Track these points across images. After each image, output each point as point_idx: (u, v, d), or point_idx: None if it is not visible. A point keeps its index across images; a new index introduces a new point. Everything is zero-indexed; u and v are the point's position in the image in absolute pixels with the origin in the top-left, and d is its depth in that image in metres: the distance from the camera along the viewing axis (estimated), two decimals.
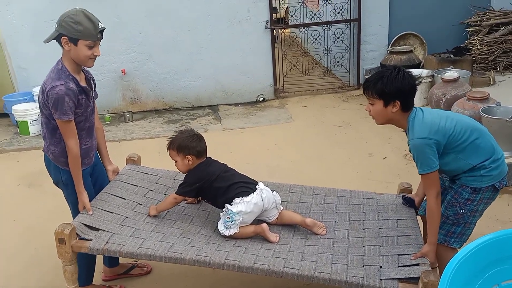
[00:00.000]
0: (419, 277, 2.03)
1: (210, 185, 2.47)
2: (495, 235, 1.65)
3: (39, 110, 2.40)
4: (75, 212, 2.50)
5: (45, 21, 5.69)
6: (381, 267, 2.17)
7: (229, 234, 2.41)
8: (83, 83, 2.36)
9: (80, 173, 2.40)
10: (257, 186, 2.51)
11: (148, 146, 5.07)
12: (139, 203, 2.64)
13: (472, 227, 2.29)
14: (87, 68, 2.46)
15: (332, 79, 6.76)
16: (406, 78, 2.11)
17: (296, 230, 2.53)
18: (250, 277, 2.65)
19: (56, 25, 2.25)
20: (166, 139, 2.57)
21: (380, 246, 2.33)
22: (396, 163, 4.21)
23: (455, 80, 4.47)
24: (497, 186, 2.18)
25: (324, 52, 6.46)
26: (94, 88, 2.50)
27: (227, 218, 2.40)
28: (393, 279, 2.08)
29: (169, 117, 5.98)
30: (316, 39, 6.41)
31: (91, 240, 2.31)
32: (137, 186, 2.77)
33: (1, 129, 5.80)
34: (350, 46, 6.39)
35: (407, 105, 2.14)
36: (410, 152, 2.17)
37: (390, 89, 2.09)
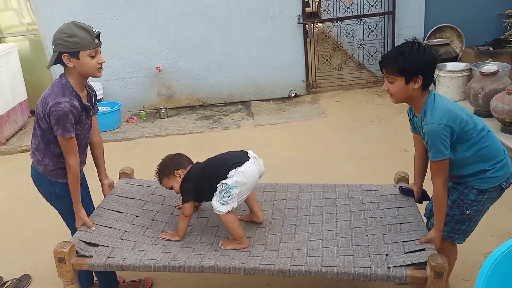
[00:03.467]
0: (427, 261, 2.02)
1: (202, 177, 2.44)
2: None
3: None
4: (73, 223, 2.47)
5: (84, 21, 5.82)
6: (387, 255, 2.16)
7: (227, 211, 2.33)
8: (85, 101, 2.34)
9: (79, 190, 2.37)
10: (249, 155, 2.44)
11: (182, 141, 5.17)
12: (136, 216, 2.62)
13: (476, 224, 2.27)
14: (89, 83, 2.45)
15: (365, 73, 6.68)
16: (427, 52, 2.02)
17: (298, 225, 2.52)
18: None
19: (53, 46, 2.22)
20: (176, 152, 2.61)
21: (384, 234, 2.32)
22: None
23: (494, 74, 4.33)
24: (503, 186, 2.15)
25: (358, 46, 6.38)
26: (95, 104, 2.48)
27: (224, 193, 2.33)
28: (400, 266, 2.08)
29: (203, 113, 6.07)
30: (349, 33, 6.34)
31: (91, 256, 2.27)
32: (133, 199, 2.74)
33: None
34: (384, 39, 6.28)
35: (428, 81, 2.06)
36: (422, 136, 2.10)
37: (413, 64, 2.00)
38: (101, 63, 2.28)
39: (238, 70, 6.21)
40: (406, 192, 2.58)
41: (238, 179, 2.34)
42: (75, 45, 2.18)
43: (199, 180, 2.45)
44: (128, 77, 6.20)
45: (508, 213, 3.22)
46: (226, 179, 2.35)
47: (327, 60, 6.51)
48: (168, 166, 2.51)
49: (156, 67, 6.11)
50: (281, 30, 6.05)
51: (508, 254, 1.57)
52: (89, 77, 2.34)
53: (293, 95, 6.32)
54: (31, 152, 2.45)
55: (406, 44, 2.06)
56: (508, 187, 2.18)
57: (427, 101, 2.07)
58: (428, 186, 2.47)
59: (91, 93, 2.43)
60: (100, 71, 2.30)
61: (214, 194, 2.39)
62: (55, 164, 2.37)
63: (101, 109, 5.72)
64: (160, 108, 6.08)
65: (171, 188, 2.54)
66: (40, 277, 3.03)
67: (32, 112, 6.20)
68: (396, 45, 6.12)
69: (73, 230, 2.53)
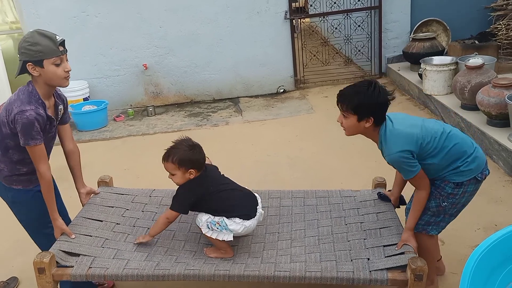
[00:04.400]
0: (407, 264, 2.09)
1: (208, 200, 2.32)
2: None
3: None
4: (31, 231, 2.46)
5: (68, 19, 5.82)
6: (368, 259, 2.22)
7: (209, 235, 2.30)
8: (50, 111, 2.29)
9: (54, 199, 2.31)
10: (257, 209, 2.39)
11: (170, 139, 5.08)
12: (117, 223, 2.57)
13: (453, 218, 2.34)
14: (59, 92, 2.40)
15: (353, 68, 6.69)
16: (381, 93, 2.11)
17: (281, 233, 2.54)
18: None
19: (18, 55, 2.17)
20: (163, 150, 2.34)
21: (365, 239, 2.37)
22: None
23: (480, 67, 4.36)
24: (478, 178, 2.20)
25: (345, 41, 6.39)
26: (65, 111, 2.43)
27: (217, 223, 2.29)
28: (382, 269, 2.14)
29: (191, 110, 6.04)
30: (336, 28, 6.34)
31: (72, 266, 2.22)
32: (112, 207, 2.70)
33: None
34: (371, 34, 6.30)
35: (380, 120, 2.16)
36: (389, 164, 2.20)
37: (366, 105, 2.10)
38: (67, 71, 2.23)
39: (225, 67, 6.18)
40: (384, 198, 2.65)
41: (240, 230, 2.32)
42: (38, 53, 2.14)
43: (203, 199, 2.33)
44: (115, 75, 6.13)
45: (495, 206, 3.25)
46: (228, 218, 2.30)
47: (314, 56, 6.51)
48: (185, 157, 2.26)
49: (143, 65, 6.05)
50: (268, 25, 6.03)
51: (494, 247, 1.58)
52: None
53: (281, 91, 6.32)
54: None
55: (363, 84, 2.15)
56: (484, 178, 2.24)
57: (380, 133, 2.17)
58: (405, 191, 2.50)
59: (58, 102, 2.38)
60: (67, 80, 2.25)
61: (206, 213, 2.33)
62: (10, 170, 2.32)
63: (88, 107, 5.66)
64: (148, 106, 6.03)
65: (171, 174, 2.33)
66: (28, 279, 2.99)
67: None
68: (382, 40, 6.19)
69: (35, 238, 2.49)
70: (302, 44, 6.31)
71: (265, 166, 4.24)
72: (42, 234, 2.48)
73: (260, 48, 6.12)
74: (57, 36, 2.18)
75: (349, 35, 6.34)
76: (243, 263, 2.29)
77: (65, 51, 2.23)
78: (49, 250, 2.25)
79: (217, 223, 2.30)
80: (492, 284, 1.57)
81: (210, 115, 5.79)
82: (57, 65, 2.18)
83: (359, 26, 6.29)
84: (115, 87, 6.18)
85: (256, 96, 6.29)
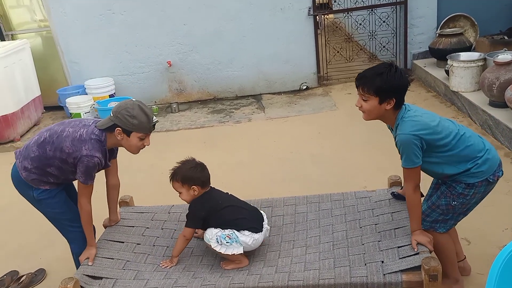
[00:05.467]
0: (421, 265, 2.05)
1: (218, 214, 2.42)
2: None
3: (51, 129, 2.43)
4: (56, 224, 2.60)
5: (94, 16, 5.93)
6: (382, 262, 2.19)
7: (218, 250, 2.37)
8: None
9: (92, 229, 2.50)
10: (263, 225, 2.48)
11: (193, 136, 5.19)
12: (138, 244, 2.65)
13: (462, 216, 2.30)
14: None
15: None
16: (403, 76, 2.11)
17: (296, 240, 2.54)
18: None
19: (112, 115, 2.34)
20: (169, 171, 2.50)
21: (379, 241, 2.34)
22: None
23: (509, 63, 4.24)
24: (490, 180, 2.17)
25: (369, 37, 6.31)
26: (116, 150, 2.61)
27: (227, 236, 2.36)
28: (396, 272, 2.11)
29: (214, 107, 6.07)
30: (360, 24, 6.26)
31: None
32: (133, 226, 2.78)
33: (57, 121, 6.11)
34: (396, 30, 6.20)
35: (400, 103, 2.15)
36: (396, 146, 2.17)
37: (388, 86, 2.08)
38: (145, 146, 2.42)
39: (248, 64, 6.19)
40: (398, 197, 2.62)
41: (249, 242, 2.39)
42: (132, 126, 2.32)
43: (213, 214, 2.43)
44: (139, 72, 6.22)
45: None
46: (238, 231, 2.38)
47: (338, 52, 6.45)
48: (187, 175, 2.43)
49: (167, 62, 6.12)
50: (292, 22, 6.01)
51: None
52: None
53: (304, 87, 6.29)
54: (20, 153, 2.49)
55: (384, 65, 2.14)
56: (497, 180, 2.20)
57: (398, 116, 2.16)
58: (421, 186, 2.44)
59: (114, 149, 2.58)
60: (139, 150, 2.44)
61: (216, 227, 2.41)
62: (39, 177, 2.45)
63: (113, 104, 5.76)
64: (172, 103, 6.09)
65: (178, 192, 2.49)
66: (55, 271, 3.08)
67: (46, 108, 6.28)
68: (408, 36, 6.09)
69: (62, 232, 2.64)
70: (325, 40, 6.26)
71: (288, 163, 4.23)
72: (71, 228, 2.58)
73: (283, 45, 6.10)
74: (154, 118, 2.39)
75: (373, 31, 6.26)
76: (258, 273, 2.30)
77: (153, 130, 2.42)
78: (74, 276, 2.34)
79: (227, 236, 2.37)
80: None
81: (233, 111, 5.81)
82: (141, 139, 2.38)
83: (384, 21, 6.20)
84: (139, 84, 6.26)
85: (279, 93, 6.28)
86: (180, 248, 2.48)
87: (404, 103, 2.21)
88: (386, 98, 2.11)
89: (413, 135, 2.07)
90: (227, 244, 2.36)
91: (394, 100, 2.11)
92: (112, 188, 2.70)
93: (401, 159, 2.16)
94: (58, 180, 2.49)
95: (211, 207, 2.43)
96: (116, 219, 2.81)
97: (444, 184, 2.27)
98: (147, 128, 2.35)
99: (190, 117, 5.80)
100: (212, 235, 2.39)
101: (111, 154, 2.54)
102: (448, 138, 2.13)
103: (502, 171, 2.24)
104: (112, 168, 2.64)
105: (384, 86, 2.08)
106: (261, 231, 2.45)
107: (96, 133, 2.36)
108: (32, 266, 3.16)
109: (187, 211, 2.51)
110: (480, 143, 2.20)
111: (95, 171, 2.37)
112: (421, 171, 2.24)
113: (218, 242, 2.37)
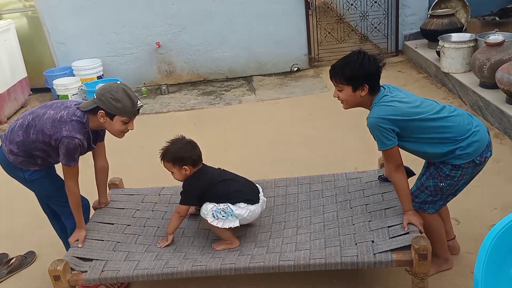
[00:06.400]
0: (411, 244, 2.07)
1: (212, 190, 2.42)
2: None
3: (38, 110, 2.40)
4: (52, 203, 2.60)
5: None
6: (373, 241, 2.21)
7: (215, 224, 2.37)
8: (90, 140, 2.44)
9: (81, 211, 2.46)
10: (260, 196, 2.48)
11: (184, 118, 5.15)
12: (128, 225, 2.64)
13: (452, 197, 2.32)
14: None
15: (369, 46, 6.56)
16: (371, 61, 2.15)
17: (287, 221, 2.55)
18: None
19: (95, 97, 2.30)
20: (159, 151, 2.46)
21: (369, 221, 2.36)
22: None
23: (500, 44, 4.24)
24: (477, 161, 2.18)
25: (361, 17, 6.26)
26: (103, 134, 2.56)
27: (222, 210, 2.36)
28: (386, 251, 2.13)
29: (204, 89, 6.02)
30: (352, 5, 6.21)
31: (86, 271, 2.30)
32: (123, 209, 2.77)
33: (44, 102, 6.01)
34: (388, 10, 6.15)
35: (374, 88, 2.19)
36: (369, 129, 2.20)
37: (358, 74, 2.13)
38: (128, 130, 2.38)
39: (239, 45, 6.12)
40: (385, 180, 2.64)
41: (245, 215, 2.39)
42: (116, 109, 2.27)
43: (208, 190, 2.42)
44: (128, 53, 6.12)
45: None
46: (233, 204, 2.38)
47: (329, 33, 6.40)
48: (178, 155, 2.40)
49: (156, 43, 6.02)
50: (282, 2, 5.93)
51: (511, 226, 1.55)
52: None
53: (295, 69, 6.25)
54: (5, 136, 2.45)
55: (352, 54, 2.19)
56: (484, 161, 2.21)
57: (374, 100, 2.20)
58: (410, 164, 2.45)
59: (100, 132, 2.54)
60: (123, 134, 2.40)
61: (211, 202, 2.40)
62: (27, 159, 2.42)
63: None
64: (161, 84, 6.02)
65: (170, 171, 2.47)
66: (45, 253, 3.06)
67: (33, 90, 6.17)
68: (399, 16, 6.05)
69: (58, 210, 2.62)
70: (316, 21, 6.20)
71: (279, 145, 4.22)
72: (67, 205, 2.54)
73: (274, 26, 6.03)
74: (139, 102, 2.34)
75: (365, 12, 6.20)
76: (249, 254, 2.31)
77: (137, 114, 2.37)
78: (63, 258, 2.33)
79: (223, 210, 2.36)
80: (509, 264, 1.54)
81: (223, 93, 5.76)
82: (124, 123, 2.33)
83: (375, 2, 6.14)
84: (128, 65, 6.17)
85: (270, 75, 6.23)
86: (175, 225, 2.47)
87: (387, 86, 2.23)
88: (358, 86, 2.16)
89: (380, 119, 2.12)
90: (223, 218, 2.36)
91: (367, 87, 2.16)
92: (100, 170, 2.68)
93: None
94: (46, 162, 2.47)
95: (205, 184, 2.42)
96: (106, 201, 2.79)
97: (433, 165, 2.28)
98: (131, 112, 2.31)
99: (180, 99, 5.75)
100: (208, 211, 2.38)
101: (97, 136, 2.50)
102: (428, 122, 2.14)
103: (491, 152, 2.24)
104: (100, 151, 2.60)
105: (354, 74, 2.13)
106: (257, 202, 2.44)
107: (78, 114, 2.32)
108: (21, 248, 3.14)
109: (178, 192, 2.50)
110: (466, 124, 2.19)
111: (77, 152, 2.33)
112: (409, 152, 2.25)
113: (214, 217, 2.37)
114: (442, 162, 2.22)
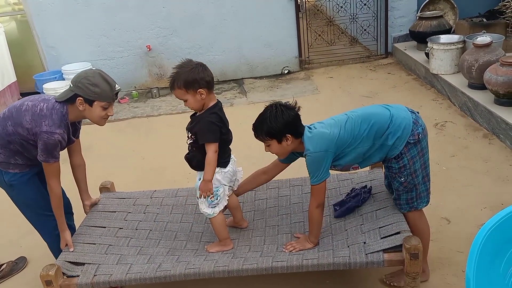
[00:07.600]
0: (402, 244, 2.09)
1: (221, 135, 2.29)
2: None
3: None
4: (27, 212, 2.52)
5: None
6: (364, 243, 2.23)
7: (219, 211, 2.35)
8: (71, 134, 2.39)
9: (63, 212, 2.40)
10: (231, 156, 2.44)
11: (175, 121, 5.13)
12: (120, 228, 2.62)
13: (424, 181, 2.30)
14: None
15: (358, 48, 6.61)
16: (285, 112, 2.17)
17: (280, 225, 2.56)
18: None
19: (71, 85, 2.25)
20: (167, 79, 2.34)
21: (361, 224, 2.37)
22: None
23: (487, 45, 4.29)
24: (411, 141, 2.18)
25: (350, 20, 6.30)
26: (79, 129, 2.52)
27: (210, 198, 2.32)
28: (378, 251, 2.14)
29: None
30: (341, 7, 6.25)
31: (78, 276, 2.27)
32: (115, 212, 2.74)
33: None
34: (377, 13, 6.20)
35: (298, 133, 2.21)
36: (307, 164, 2.23)
37: (277, 127, 2.15)
38: (109, 116, 2.34)
39: (229, 48, 6.12)
40: (339, 212, 2.56)
41: (220, 178, 2.34)
42: (94, 94, 2.23)
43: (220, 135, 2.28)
44: (118, 56, 6.10)
45: (502, 185, 3.24)
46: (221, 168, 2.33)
47: (319, 35, 6.44)
48: (190, 78, 2.16)
49: (146, 46, 6.01)
50: (273, 5, 5.95)
51: (501, 224, 1.57)
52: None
53: (286, 71, 6.27)
54: None
55: (266, 110, 2.21)
56: (418, 137, 2.19)
57: (303, 140, 2.23)
58: None
59: (78, 126, 2.48)
60: (105, 121, 2.36)
61: (200, 201, 2.37)
62: (7, 158, 2.36)
63: None
64: (152, 88, 6.00)
65: (184, 101, 2.24)
66: (36, 258, 3.03)
67: (22, 94, 6.12)
68: (388, 19, 6.10)
69: (34, 221, 2.56)
70: (307, 24, 6.23)
71: None
72: (43, 216, 2.51)
73: (265, 29, 6.05)
74: (116, 85, 2.31)
75: (354, 14, 6.25)
76: (242, 257, 2.31)
77: (116, 99, 2.34)
78: (55, 262, 2.30)
79: (210, 198, 2.32)
80: (500, 262, 1.56)
81: None
82: (104, 109, 2.29)
83: (365, 4, 6.19)
84: (118, 68, 6.15)
85: (261, 77, 6.24)
86: (213, 168, 2.27)
87: (306, 125, 2.26)
88: (281, 137, 2.18)
89: (324, 152, 2.16)
90: (218, 200, 2.35)
91: (290, 135, 2.18)
92: (77, 167, 2.63)
93: (310, 177, 2.24)
94: (27, 161, 2.39)
95: (221, 122, 2.27)
96: (90, 199, 2.74)
97: (385, 169, 2.33)
98: (110, 96, 2.26)
99: (171, 102, 5.73)
100: (208, 210, 2.37)
101: (76, 129, 2.45)
102: (348, 132, 2.20)
103: (422, 126, 2.22)
104: (75, 148, 2.56)
105: (273, 128, 2.16)
106: (229, 162, 2.40)
107: (57, 107, 2.26)
108: (12, 254, 3.11)
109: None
110: (382, 116, 2.21)
111: (57, 149, 2.26)
112: (358, 164, 2.29)
113: (213, 207, 2.35)
114: (385, 161, 2.26)
